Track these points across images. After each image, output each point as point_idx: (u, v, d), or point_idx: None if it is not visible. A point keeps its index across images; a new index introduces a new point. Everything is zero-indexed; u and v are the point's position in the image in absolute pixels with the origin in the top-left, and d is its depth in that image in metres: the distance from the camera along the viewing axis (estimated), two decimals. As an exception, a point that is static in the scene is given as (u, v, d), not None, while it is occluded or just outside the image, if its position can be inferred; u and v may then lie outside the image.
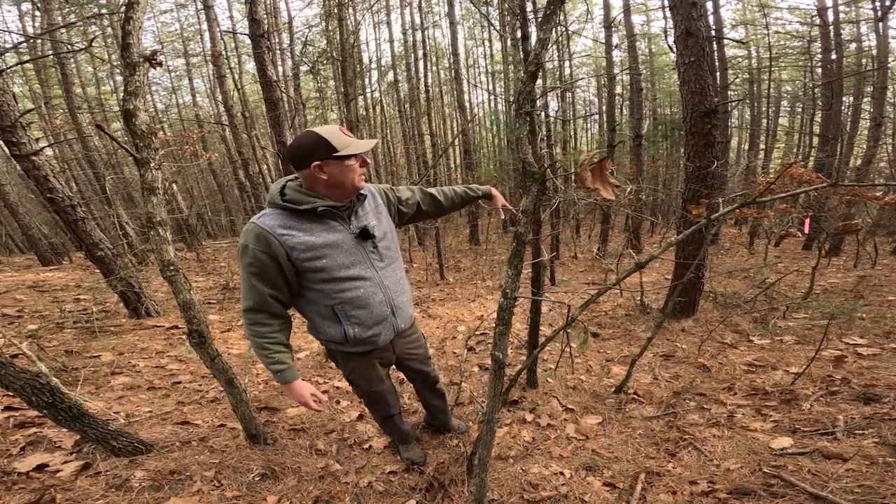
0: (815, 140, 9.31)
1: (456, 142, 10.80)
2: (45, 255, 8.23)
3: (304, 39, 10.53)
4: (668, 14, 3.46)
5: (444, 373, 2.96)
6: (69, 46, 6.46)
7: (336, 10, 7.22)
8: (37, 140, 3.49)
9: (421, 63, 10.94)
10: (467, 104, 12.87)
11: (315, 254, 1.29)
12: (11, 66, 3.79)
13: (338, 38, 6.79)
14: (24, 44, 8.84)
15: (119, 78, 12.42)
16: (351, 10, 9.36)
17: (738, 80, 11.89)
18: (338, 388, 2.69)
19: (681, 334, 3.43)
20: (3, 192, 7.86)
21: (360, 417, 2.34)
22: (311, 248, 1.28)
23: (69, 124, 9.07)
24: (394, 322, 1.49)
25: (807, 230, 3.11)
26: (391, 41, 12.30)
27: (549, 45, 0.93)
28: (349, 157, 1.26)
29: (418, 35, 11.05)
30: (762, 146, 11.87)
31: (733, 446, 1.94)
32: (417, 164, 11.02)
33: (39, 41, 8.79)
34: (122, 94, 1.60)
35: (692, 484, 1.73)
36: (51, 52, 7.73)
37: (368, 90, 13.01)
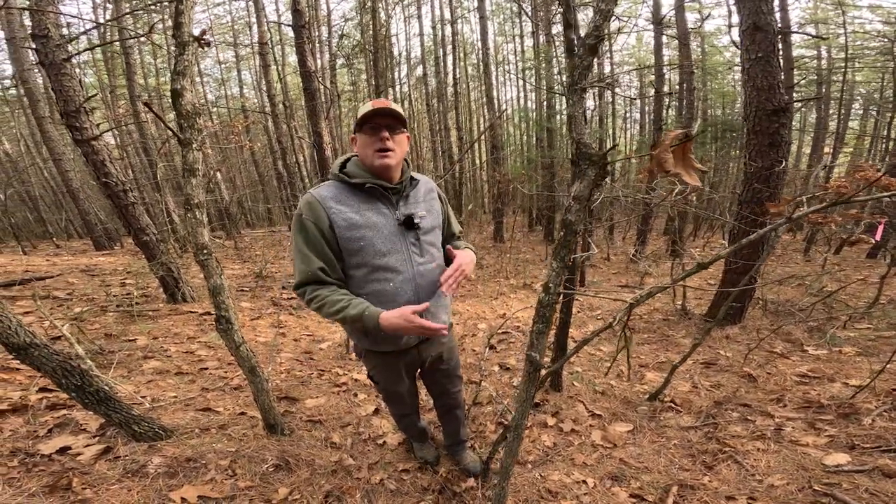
0: (892, 144, 8.50)
1: (482, 137, 10.64)
2: (99, 239, 8.80)
3: (340, 32, 10.68)
4: (734, 8, 3.29)
5: (464, 371, 2.88)
6: (132, 32, 6.86)
7: (370, 2, 7.24)
8: (97, 125, 3.67)
9: (450, 57, 10.83)
10: (495, 100, 12.64)
11: (355, 233, 1.23)
12: (81, 51, 4.00)
13: (371, 30, 6.81)
14: (95, 32, 9.51)
15: None
16: (383, 3, 9.37)
17: (803, 80, 11.04)
18: (356, 380, 2.67)
19: (724, 341, 3.20)
20: (66, 177, 8.41)
21: (377, 412, 2.32)
22: (353, 225, 1.23)
23: (130, 114, 9.70)
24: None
25: (878, 237, 2.82)
26: (421, 35, 12.28)
27: (609, 20, 0.83)
28: (360, 127, 1.22)
29: (447, 29, 10.93)
30: (826, 149, 10.99)
31: (780, 461, 1.81)
32: (443, 159, 10.96)
33: (108, 33, 9.46)
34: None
35: (729, 499, 1.62)
36: (117, 39, 8.31)
37: (398, 85, 13.06)
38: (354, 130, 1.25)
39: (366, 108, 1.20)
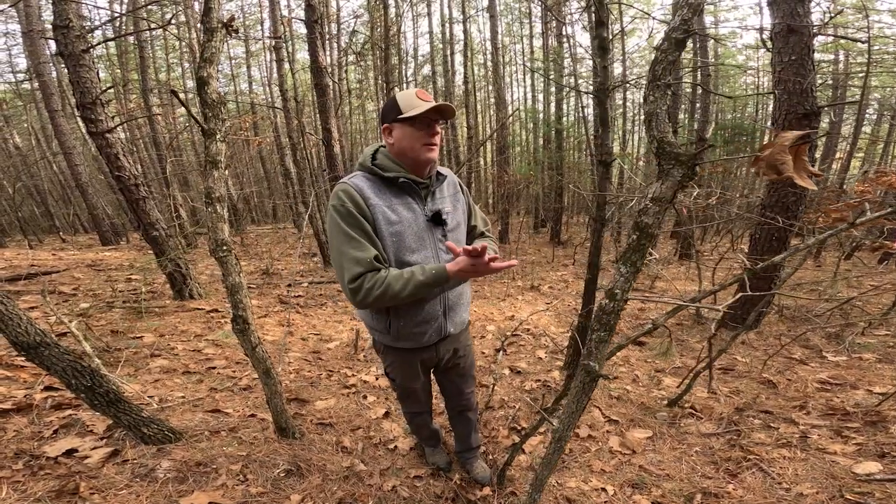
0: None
1: (491, 137, 10.59)
2: (105, 235, 8.81)
3: (351, 28, 10.68)
4: (766, 10, 3.26)
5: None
6: (149, 24, 6.90)
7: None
8: (112, 118, 3.64)
9: (458, 56, 10.77)
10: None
11: (389, 228, 1.21)
12: (98, 44, 4.00)
13: (381, 25, 6.78)
14: (109, 26, 9.61)
15: (187, 64, 13.34)
16: (393, 0, 9.34)
17: (819, 84, 10.93)
18: (365, 382, 2.62)
19: (741, 347, 3.13)
20: (76, 171, 8.39)
21: (387, 415, 2.27)
22: (388, 221, 1.21)
23: (141, 108, 9.72)
24: (443, 324, 1.37)
25: None
26: (430, 32, 12.24)
27: (699, 14, 0.77)
28: (410, 119, 1.17)
29: (457, 27, 10.89)
30: (839, 155, 10.86)
31: (807, 469, 1.76)
32: (449, 159, 10.89)
33: (123, 27, 9.53)
34: (192, 75, 1.59)
35: (756, 509, 1.57)
36: (132, 31, 8.39)
37: (404, 84, 13.05)
38: (393, 120, 1.19)
39: (419, 102, 1.16)
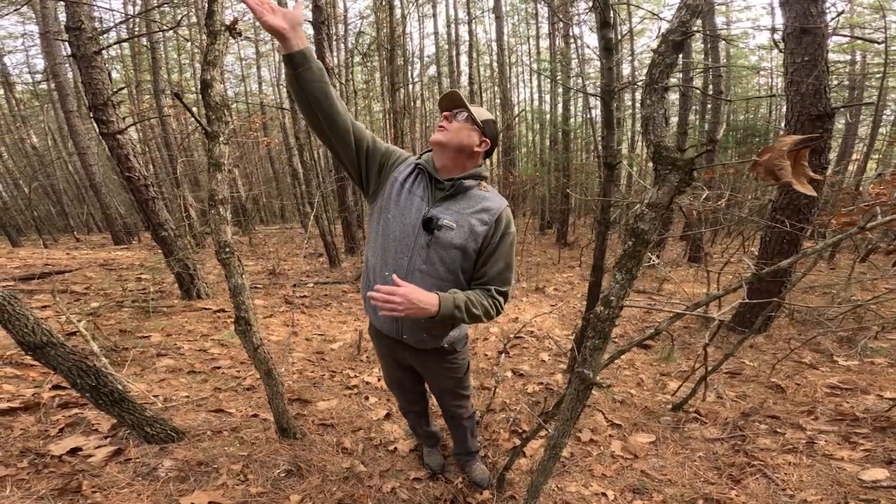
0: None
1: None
2: (118, 234, 8.97)
3: (357, 30, 10.74)
4: (777, 10, 3.22)
5: (476, 376, 2.82)
6: (160, 25, 7.06)
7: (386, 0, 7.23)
8: (123, 119, 3.71)
9: (463, 57, 10.78)
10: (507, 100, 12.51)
11: (386, 201, 1.23)
12: (110, 45, 4.09)
13: (387, 26, 6.80)
14: (122, 27, 9.83)
15: (198, 65, 13.50)
16: (399, 1, 9.37)
17: (835, 85, 10.71)
18: (367, 383, 2.63)
19: (749, 351, 3.08)
20: (90, 171, 8.56)
21: (388, 416, 2.28)
22: (395, 193, 1.23)
23: (153, 109, 9.88)
24: (395, 326, 1.28)
25: None
26: (436, 33, 12.28)
27: (698, 16, 0.77)
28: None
29: (462, 28, 10.91)
30: (855, 156, 10.65)
31: (812, 476, 1.73)
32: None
33: (136, 28, 9.73)
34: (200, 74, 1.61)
35: (758, 515, 1.55)
36: (145, 32, 8.60)
37: (411, 84, 13.10)
38: None
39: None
